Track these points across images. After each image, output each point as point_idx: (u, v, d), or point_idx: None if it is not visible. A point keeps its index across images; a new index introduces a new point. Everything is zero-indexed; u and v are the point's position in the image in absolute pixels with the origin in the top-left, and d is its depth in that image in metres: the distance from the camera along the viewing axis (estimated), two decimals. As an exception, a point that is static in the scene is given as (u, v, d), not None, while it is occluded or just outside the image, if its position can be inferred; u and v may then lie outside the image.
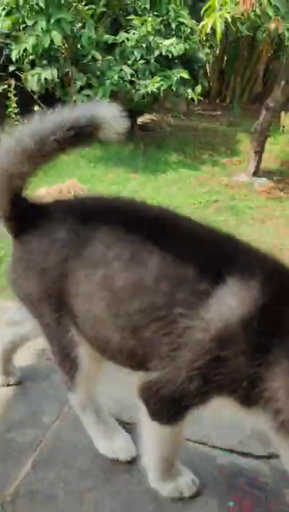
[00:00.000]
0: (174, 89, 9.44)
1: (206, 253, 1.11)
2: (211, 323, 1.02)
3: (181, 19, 9.39)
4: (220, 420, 1.27)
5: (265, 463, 1.24)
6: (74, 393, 1.26)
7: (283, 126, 12.60)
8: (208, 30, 7.90)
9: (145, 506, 1.07)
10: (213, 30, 7.78)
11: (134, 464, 1.19)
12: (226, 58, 15.55)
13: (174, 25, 9.49)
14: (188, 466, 1.21)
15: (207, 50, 10.96)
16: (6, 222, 1.26)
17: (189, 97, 10.02)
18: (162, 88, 9.34)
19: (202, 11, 8.21)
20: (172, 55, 9.33)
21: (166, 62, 9.50)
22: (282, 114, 12.32)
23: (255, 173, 10.39)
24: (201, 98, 11.30)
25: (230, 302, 1.02)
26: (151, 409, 1.09)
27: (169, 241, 1.12)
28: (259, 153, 10.41)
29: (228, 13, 7.51)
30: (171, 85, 9.30)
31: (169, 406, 1.04)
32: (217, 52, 14.84)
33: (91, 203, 1.31)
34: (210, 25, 7.75)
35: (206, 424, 1.29)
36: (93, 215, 1.19)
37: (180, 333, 1.03)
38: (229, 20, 7.61)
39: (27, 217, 1.21)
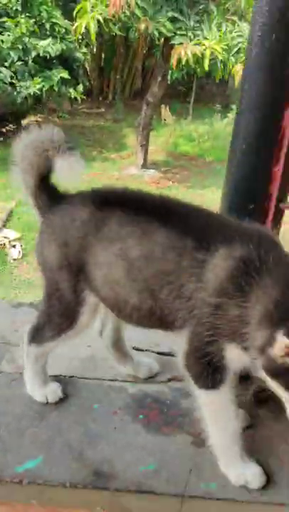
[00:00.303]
0: (56, 89, 9.55)
1: (201, 228, 1.26)
2: (209, 282, 1.23)
3: (54, 20, 9.49)
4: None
5: (166, 385, 1.58)
6: (39, 345, 1.45)
7: (165, 120, 13.22)
8: (83, 30, 8.16)
9: (75, 431, 1.36)
10: (88, 30, 8.04)
11: (62, 404, 1.46)
12: (103, 56, 15.90)
13: (48, 26, 9.56)
14: (106, 399, 1.51)
15: (84, 50, 11.18)
16: (35, 205, 1.46)
17: (72, 96, 10.18)
18: (44, 89, 9.41)
19: (74, 13, 8.41)
20: (50, 55, 9.41)
21: (44, 63, 9.56)
22: (163, 107, 12.91)
23: (144, 166, 10.88)
24: (84, 97, 11.51)
25: (221, 265, 1.22)
26: (194, 376, 1.28)
27: (171, 220, 1.28)
28: (145, 146, 10.90)
29: (100, 14, 7.82)
30: (53, 85, 9.40)
31: (203, 366, 1.24)
32: (94, 50, 15.16)
33: (105, 192, 1.52)
34: (84, 26, 8.02)
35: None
36: (107, 201, 1.39)
37: (189, 295, 1.24)
38: (101, 21, 7.92)
39: (53, 201, 1.43)
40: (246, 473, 1.26)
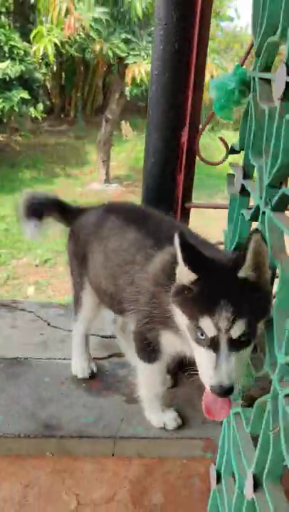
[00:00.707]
0: (17, 109, 9.81)
1: (163, 231, 1.54)
2: (150, 273, 1.49)
3: (12, 43, 9.74)
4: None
5: (107, 361, 1.90)
6: (76, 322, 1.82)
7: (126, 135, 13.60)
8: (41, 53, 8.50)
9: (30, 398, 1.66)
10: (46, 52, 8.39)
11: (18, 379, 1.76)
12: (64, 75, 16.25)
13: (6, 49, 9.82)
14: (56, 373, 1.81)
15: (44, 70, 11.50)
16: (60, 220, 1.91)
17: (33, 115, 10.46)
18: (5, 110, 9.65)
19: (31, 37, 8.71)
20: (9, 77, 9.68)
21: (4, 85, 9.79)
22: (123, 123, 13.30)
23: (106, 181, 11.24)
24: (45, 115, 11.82)
25: (159, 259, 1.47)
26: (136, 350, 1.55)
27: (145, 224, 1.60)
28: (106, 162, 11.27)
29: (56, 37, 8.19)
30: (13, 106, 9.66)
31: (143, 346, 1.53)
32: (55, 69, 15.52)
33: (111, 204, 1.91)
34: (41, 49, 8.36)
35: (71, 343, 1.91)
36: (109, 210, 1.77)
37: (137, 283, 1.54)
38: (58, 43, 8.29)
39: (74, 214, 1.88)
40: (164, 418, 1.59)
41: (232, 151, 1.65)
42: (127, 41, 8.97)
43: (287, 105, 1.09)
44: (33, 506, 1.73)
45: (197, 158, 1.72)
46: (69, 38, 8.39)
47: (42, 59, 10.97)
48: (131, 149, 13.62)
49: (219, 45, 12.75)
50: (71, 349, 1.90)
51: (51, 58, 8.73)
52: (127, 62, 8.83)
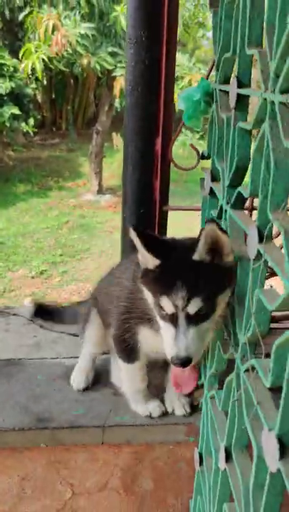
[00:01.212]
0: (8, 124, 9.99)
1: None
2: (128, 270, 1.61)
3: (1, 60, 9.96)
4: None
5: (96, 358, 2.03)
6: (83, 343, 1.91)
7: (117, 146, 13.78)
8: (30, 69, 8.68)
9: (23, 394, 1.78)
10: (35, 68, 8.56)
11: (12, 378, 1.87)
12: (54, 89, 16.48)
13: (-4, 66, 10.04)
14: (48, 371, 1.93)
15: (34, 85, 11.71)
16: None
17: (24, 130, 10.63)
18: (-4, 125, 9.82)
19: (20, 54, 8.89)
20: (0, 93, 9.88)
21: (-5, 101, 9.99)
22: (114, 135, 13.48)
23: (100, 191, 11.39)
24: (36, 130, 11.98)
25: (134, 257, 1.48)
26: (116, 352, 1.66)
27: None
28: (99, 173, 11.43)
29: (44, 53, 8.37)
30: (4, 121, 9.84)
31: (123, 347, 1.60)
32: (45, 84, 15.75)
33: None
34: (30, 65, 8.54)
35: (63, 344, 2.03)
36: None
37: (119, 282, 1.66)
38: (46, 60, 8.47)
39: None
40: (149, 407, 1.70)
41: (202, 157, 1.78)
42: (113, 54, 9.18)
43: (239, 114, 1.22)
44: (31, 498, 1.84)
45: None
46: (57, 54, 8.56)
47: (32, 74, 11.19)
48: (122, 160, 13.77)
49: (205, 55, 12.99)
50: (64, 349, 2.04)
51: (39, 74, 8.89)
52: (114, 74, 9.01)
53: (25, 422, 1.66)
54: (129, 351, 1.64)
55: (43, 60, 8.45)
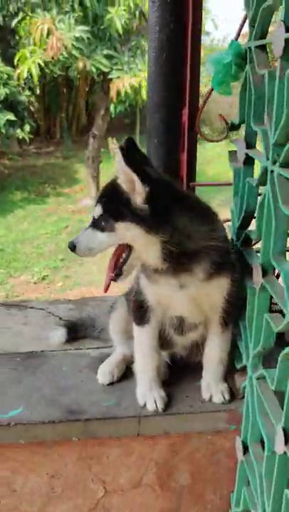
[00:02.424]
0: (4, 131, 9.93)
1: None
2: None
3: (-5, 67, 9.92)
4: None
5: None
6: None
7: (113, 152, 13.70)
8: (25, 75, 8.61)
9: (48, 387, 1.66)
10: (30, 74, 8.50)
11: (36, 370, 1.75)
12: (47, 97, 16.46)
13: (-10, 74, 9.98)
14: (73, 362, 1.81)
15: (28, 93, 11.66)
16: None
17: (20, 136, 10.56)
18: (-8, 132, 9.76)
19: (15, 60, 8.82)
20: (-5, 100, 9.81)
21: (-10, 108, 9.93)
22: (110, 140, 13.42)
23: (97, 196, 11.34)
24: (32, 137, 11.93)
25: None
26: (131, 314, 1.64)
27: None
28: (96, 178, 11.38)
29: (40, 58, 8.31)
30: (0, 128, 9.78)
31: (135, 308, 1.59)
32: (38, 92, 15.73)
33: None
34: (26, 71, 8.47)
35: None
36: None
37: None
38: (42, 64, 8.41)
39: None
40: (148, 396, 1.58)
41: (232, 127, 1.68)
42: (109, 57, 9.13)
43: (286, 64, 1.13)
44: (61, 497, 1.71)
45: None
46: (52, 58, 8.51)
47: (25, 83, 11.12)
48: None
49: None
50: (88, 339, 1.94)
51: (35, 80, 8.83)
52: (111, 77, 8.96)
53: (55, 414, 1.54)
54: (139, 310, 1.59)
55: (39, 64, 8.37)
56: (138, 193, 1.34)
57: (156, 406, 1.56)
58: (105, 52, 8.96)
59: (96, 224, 1.44)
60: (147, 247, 1.39)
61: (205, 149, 13.96)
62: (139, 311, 1.60)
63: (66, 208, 11.33)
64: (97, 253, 1.46)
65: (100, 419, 1.54)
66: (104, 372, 1.71)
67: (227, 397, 1.60)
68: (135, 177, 1.32)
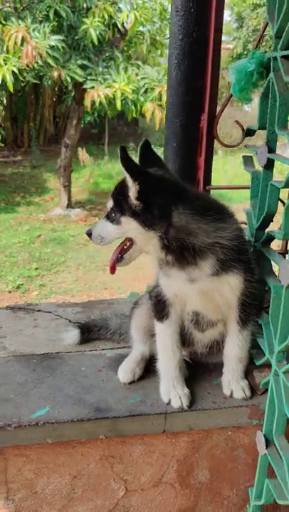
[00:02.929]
0: (-27, 139, 9.78)
1: None
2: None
3: None
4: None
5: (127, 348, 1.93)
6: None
7: (83, 161, 13.72)
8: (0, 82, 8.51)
9: (71, 386, 1.66)
10: (4, 82, 8.40)
11: (54, 371, 1.75)
12: (15, 106, 16.33)
13: None
14: (90, 362, 1.82)
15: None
16: None
17: (-10, 144, 10.42)
18: None
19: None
20: None
21: None
22: (80, 150, 13.43)
23: (69, 205, 11.24)
24: (3, 145, 11.78)
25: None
26: (152, 310, 1.67)
27: None
28: (68, 187, 11.30)
29: (14, 66, 8.27)
30: None
31: (154, 303, 1.64)
32: (5, 102, 15.59)
33: None
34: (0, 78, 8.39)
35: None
36: None
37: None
38: (17, 72, 8.36)
39: None
40: (171, 393, 1.61)
41: (248, 133, 1.76)
42: (83, 67, 9.16)
43: None
44: (82, 498, 1.72)
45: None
46: (27, 66, 8.47)
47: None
48: (89, 175, 13.75)
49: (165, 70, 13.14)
50: (100, 341, 1.95)
51: (10, 87, 8.75)
52: (85, 87, 9.00)
53: (83, 413, 1.55)
54: (159, 304, 1.64)
55: (13, 72, 8.32)
56: (130, 189, 1.45)
57: (182, 403, 1.59)
58: (80, 62, 9.00)
59: (108, 215, 1.56)
60: (146, 241, 1.50)
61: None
62: (159, 305, 1.64)
63: (37, 217, 11.21)
64: (107, 243, 1.58)
65: (127, 417, 1.55)
66: (126, 371, 1.73)
67: (248, 393, 1.65)
68: (125, 173, 1.43)
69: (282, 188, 1.47)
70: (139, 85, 9.04)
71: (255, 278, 1.60)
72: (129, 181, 1.44)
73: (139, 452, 1.67)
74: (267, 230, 1.66)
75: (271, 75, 1.52)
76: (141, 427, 1.58)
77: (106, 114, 10.82)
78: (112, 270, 1.60)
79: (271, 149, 1.57)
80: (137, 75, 9.15)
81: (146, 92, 9.23)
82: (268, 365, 1.68)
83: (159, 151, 1.67)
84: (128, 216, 1.48)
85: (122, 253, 1.57)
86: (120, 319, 2.02)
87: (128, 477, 1.71)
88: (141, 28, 9.95)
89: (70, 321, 2.12)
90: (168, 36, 10.35)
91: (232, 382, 1.67)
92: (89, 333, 1.98)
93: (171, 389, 1.63)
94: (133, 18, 8.99)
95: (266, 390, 1.65)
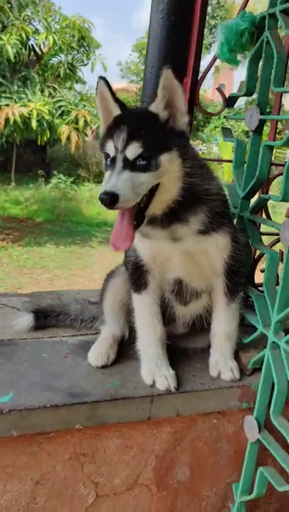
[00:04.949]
0: None
1: None
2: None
3: None
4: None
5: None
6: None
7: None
8: None
9: (35, 373, 1.39)
10: None
11: (11, 357, 1.48)
12: None
13: None
14: (52, 349, 1.56)
15: None
16: None
17: None
18: None
19: None
20: None
21: None
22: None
23: None
24: None
25: None
26: (129, 283, 1.50)
27: None
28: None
29: None
30: None
31: (131, 273, 1.48)
32: None
33: None
34: None
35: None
36: None
37: None
38: None
39: None
40: (156, 374, 1.43)
41: (230, 100, 1.68)
42: (-3, 84, 8.86)
43: None
44: (44, 508, 1.42)
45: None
46: None
47: None
48: (-7, 200, 13.19)
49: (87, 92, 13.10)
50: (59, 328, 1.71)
51: None
52: (-1, 104, 8.66)
53: (55, 399, 1.30)
54: (136, 272, 1.48)
55: None
56: (180, 109, 1.27)
57: (169, 383, 1.40)
58: (-7, 79, 8.70)
59: (134, 165, 1.22)
60: (176, 182, 1.30)
61: (81, 190, 14.08)
62: (136, 273, 1.48)
63: None
64: (137, 200, 1.22)
65: (109, 401, 1.33)
66: (98, 353, 1.51)
67: (237, 374, 1.50)
68: (180, 90, 1.25)
69: (281, 145, 1.39)
70: (56, 107, 8.93)
71: (242, 242, 1.50)
72: (181, 98, 1.27)
73: (114, 447, 1.43)
74: (260, 196, 1.56)
75: (266, 33, 1.47)
76: (124, 412, 1.36)
77: (14, 140, 10.49)
78: (129, 240, 1.24)
79: (262, 111, 1.50)
80: (53, 97, 9.05)
81: (62, 114, 9.13)
82: (254, 345, 1.56)
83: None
84: (171, 151, 1.25)
85: (142, 211, 1.28)
86: (81, 304, 1.80)
87: (100, 479, 1.46)
88: (59, 57, 9.94)
89: (18, 310, 1.85)
90: (85, 63, 10.42)
91: (220, 362, 1.52)
92: (45, 318, 1.72)
93: (154, 369, 1.43)
94: (51, 41, 8.95)
95: (254, 370, 1.52)
